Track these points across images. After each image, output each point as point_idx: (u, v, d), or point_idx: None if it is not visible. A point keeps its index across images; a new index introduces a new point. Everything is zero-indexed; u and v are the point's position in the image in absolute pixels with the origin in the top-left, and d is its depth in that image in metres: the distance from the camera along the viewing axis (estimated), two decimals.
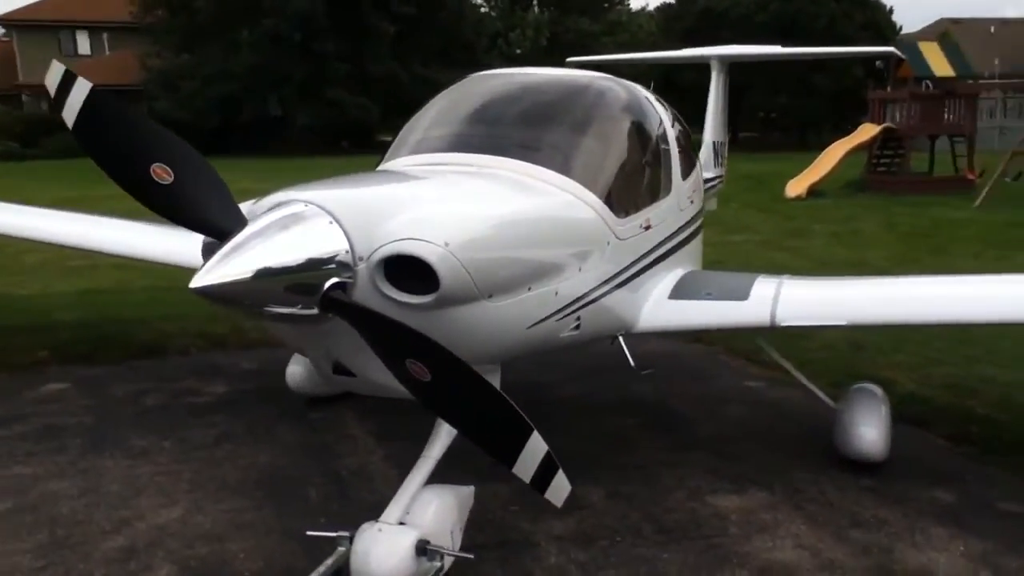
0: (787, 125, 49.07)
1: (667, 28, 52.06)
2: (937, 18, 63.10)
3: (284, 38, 40.37)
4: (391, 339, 3.27)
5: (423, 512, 3.94)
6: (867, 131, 23.84)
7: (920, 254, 13.63)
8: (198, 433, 6.09)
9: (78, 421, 6.36)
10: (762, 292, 5.06)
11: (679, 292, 5.18)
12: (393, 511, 3.89)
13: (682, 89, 34.45)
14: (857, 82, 41.81)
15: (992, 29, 60.87)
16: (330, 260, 3.37)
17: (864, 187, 23.18)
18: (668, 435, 6.05)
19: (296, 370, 6.43)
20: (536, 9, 51.56)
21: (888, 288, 5.45)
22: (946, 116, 23.35)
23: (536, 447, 3.24)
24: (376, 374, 3.75)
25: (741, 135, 49.48)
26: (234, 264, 3.22)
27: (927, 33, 58.30)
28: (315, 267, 3.35)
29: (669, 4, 58.08)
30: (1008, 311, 4.84)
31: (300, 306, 3.37)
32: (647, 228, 4.99)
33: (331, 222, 3.41)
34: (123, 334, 8.66)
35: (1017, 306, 4.84)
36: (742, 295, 5.04)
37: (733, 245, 13.99)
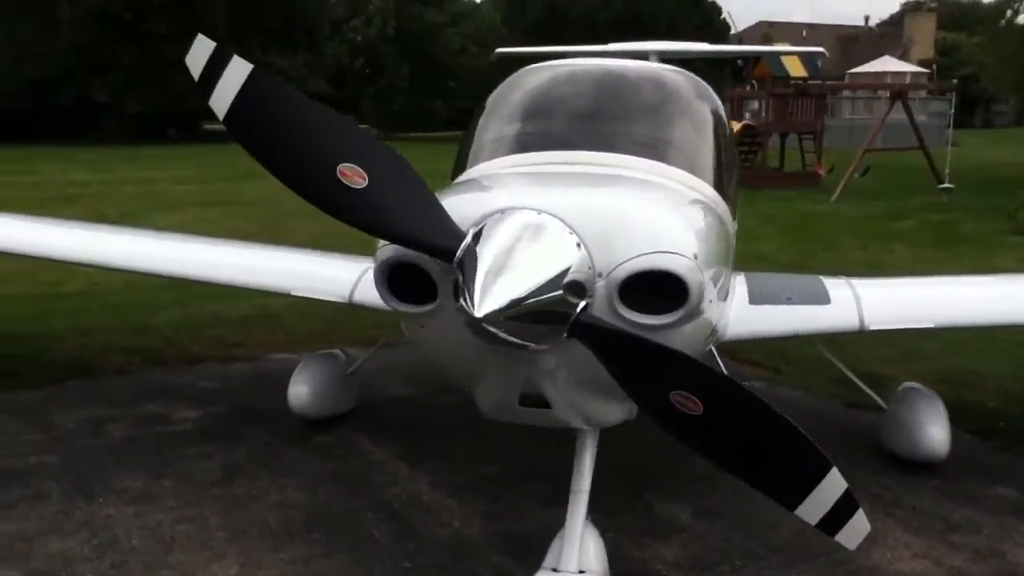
0: None
1: (511, 21, 52.43)
2: (756, 20, 67.15)
3: (112, 16, 37.33)
4: (655, 369, 2.84)
5: (594, 555, 3.54)
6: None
7: (813, 248, 14.17)
8: (196, 467, 5.31)
9: (40, 461, 5.39)
10: (841, 295, 4.93)
11: (756, 297, 4.95)
12: (570, 558, 3.48)
13: None
14: (713, 81, 43.48)
15: (804, 33, 65.33)
16: (576, 279, 2.91)
17: None
18: None
19: (301, 390, 5.77)
20: None
21: (962, 288, 5.46)
22: (797, 114, 24.68)
23: (833, 485, 2.89)
24: (580, 406, 3.36)
25: None
26: (507, 286, 2.73)
27: (749, 35, 61.88)
28: (568, 287, 2.88)
29: None
30: None
31: (544, 332, 2.89)
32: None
33: (571, 233, 2.94)
34: (42, 351, 7.54)
35: None
36: (823, 299, 4.88)
37: None
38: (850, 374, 5.74)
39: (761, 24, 65.84)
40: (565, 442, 5.44)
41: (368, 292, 5.15)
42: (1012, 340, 7.80)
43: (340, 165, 2.98)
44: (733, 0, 49.89)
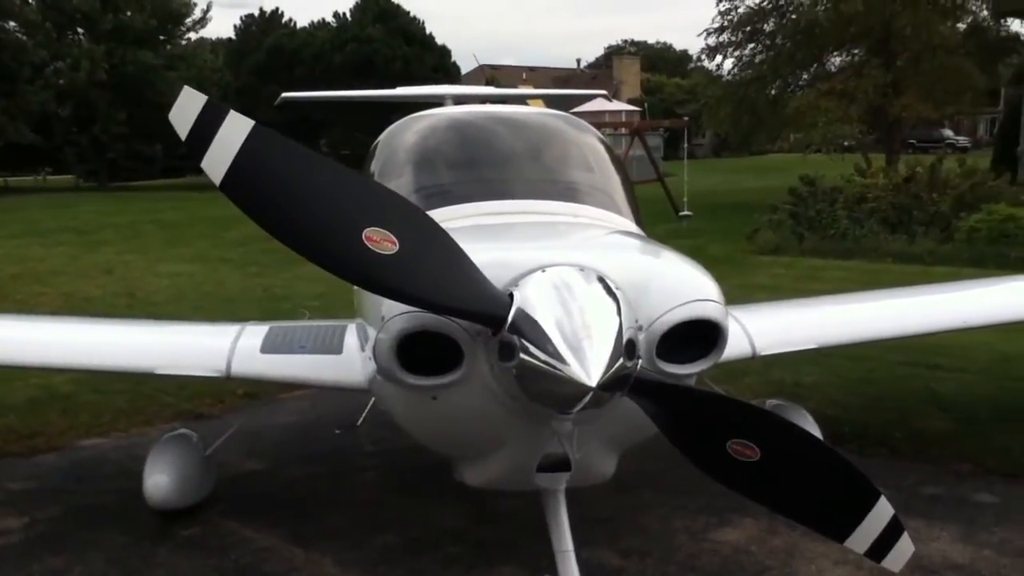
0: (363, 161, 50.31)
1: (235, 63, 50.58)
2: (478, 65, 69.86)
3: None
4: (714, 420, 2.75)
5: None
6: None
7: None
8: None
9: None
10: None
11: None
12: None
13: None
14: None
15: (524, 75, 68.93)
16: (629, 336, 2.75)
17: None
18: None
19: (161, 480, 5.09)
20: (84, 39, 46.59)
21: (840, 307, 5.84)
22: None
23: (881, 512, 2.94)
24: (598, 464, 3.29)
25: None
26: (599, 349, 2.57)
27: (473, 77, 64.24)
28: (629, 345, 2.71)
29: (231, 39, 56.56)
30: (950, 319, 5.45)
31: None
32: None
33: (617, 289, 2.79)
34: None
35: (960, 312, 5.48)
36: None
37: None
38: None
39: (484, 68, 68.58)
40: (457, 501, 5.29)
41: (249, 361, 4.70)
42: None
43: (366, 230, 2.66)
44: (450, 44, 52.00)
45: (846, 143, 26.06)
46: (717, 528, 5.04)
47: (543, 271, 2.85)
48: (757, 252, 16.79)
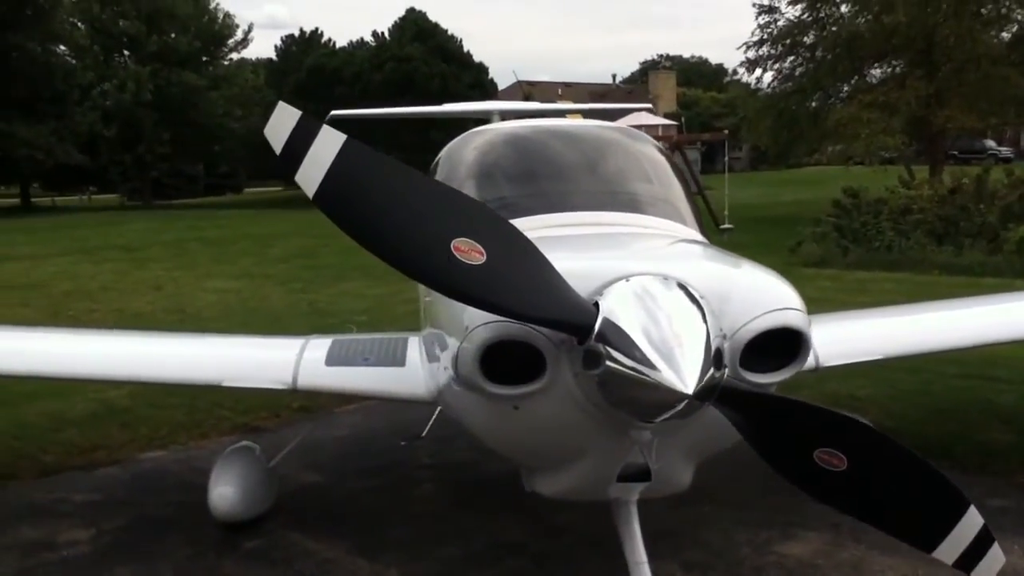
0: None
1: (276, 83, 51.38)
2: (514, 81, 70.33)
3: None
4: (802, 429, 2.75)
5: None
6: None
7: None
8: None
9: None
10: None
11: None
12: None
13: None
14: None
15: (560, 91, 69.19)
16: (716, 345, 2.77)
17: None
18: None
19: (227, 492, 5.16)
20: (130, 61, 47.67)
21: (900, 319, 5.77)
22: None
23: (971, 522, 2.92)
24: (677, 474, 3.28)
25: None
26: (692, 358, 2.61)
27: (511, 93, 64.60)
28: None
29: (271, 59, 57.51)
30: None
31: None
32: None
33: (701, 298, 2.81)
34: None
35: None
36: None
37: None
38: None
39: (522, 83, 68.95)
40: (516, 513, 5.31)
41: (314, 373, 4.76)
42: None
43: (454, 240, 2.71)
44: (487, 61, 52.60)
45: (888, 155, 25.78)
46: (781, 541, 4.99)
47: (627, 280, 2.87)
48: (801, 265, 16.64)
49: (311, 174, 2.79)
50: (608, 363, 2.73)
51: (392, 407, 7.30)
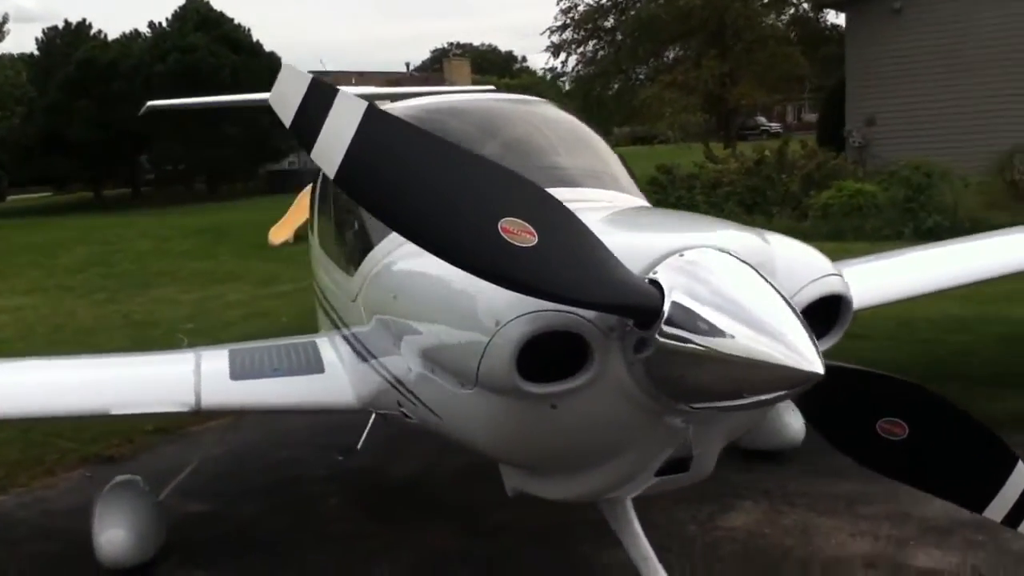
0: (189, 176, 47.74)
1: (41, 80, 46.92)
2: (323, 69, 68.33)
3: None
4: (865, 399, 2.54)
5: None
6: None
7: None
8: None
9: None
10: None
11: None
12: None
13: None
14: (264, 132, 42.94)
15: (353, 80, 67.78)
16: None
17: None
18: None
19: (116, 535, 4.43)
20: None
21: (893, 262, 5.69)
22: None
23: (1018, 478, 2.84)
24: (708, 461, 3.03)
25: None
26: (800, 332, 2.37)
27: None
28: None
29: (32, 54, 52.58)
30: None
31: None
32: None
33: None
34: None
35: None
36: None
37: (274, 299, 13.09)
38: None
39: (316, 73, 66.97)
40: (440, 519, 4.94)
41: (221, 390, 4.19)
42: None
43: (502, 220, 2.32)
44: (278, 51, 50.15)
45: (692, 132, 27.11)
46: (722, 514, 4.92)
47: (680, 255, 2.57)
48: None
49: (330, 149, 2.37)
50: (679, 345, 2.42)
51: (264, 418, 6.68)
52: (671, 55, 29.08)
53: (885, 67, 20.72)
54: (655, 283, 2.50)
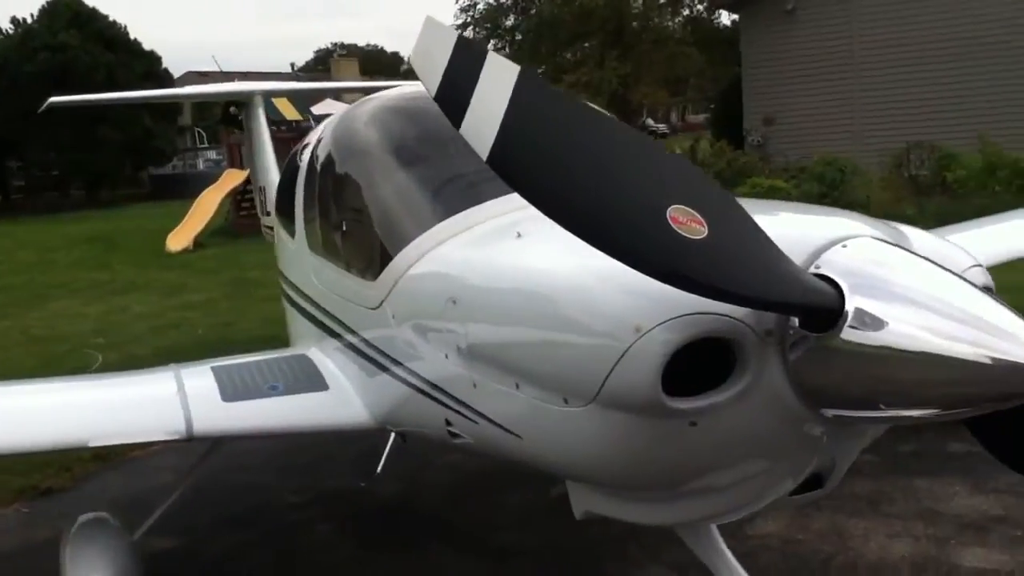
0: (64, 183, 44.93)
1: None
2: (185, 71, 65.41)
3: None
4: None
5: None
6: (234, 176, 23.61)
7: None
8: None
9: None
10: None
11: None
12: None
13: None
14: (147, 132, 40.94)
15: (235, 80, 65.51)
16: None
17: (236, 232, 22.92)
18: None
19: None
20: None
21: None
22: None
23: None
24: (840, 477, 2.70)
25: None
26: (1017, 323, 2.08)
27: (187, 82, 60.16)
28: None
29: None
30: None
31: None
32: None
33: None
34: None
35: None
36: None
37: (184, 310, 12.42)
38: None
39: (190, 74, 64.32)
40: (440, 543, 4.56)
41: (214, 415, 3.71)
42: None
43: (670, 208, 1.99)
44: (158, 50, 47.44)
45: None
46: (749, 522, 4.68)
47: (844, 246, 2.26)
48: None
49: (483, 122, 1.99)
50: (865, 348, 2.09)
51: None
52: (572, 55, 29.18)
53: (781, 67, 21.22)
54: (826, 278, 2.20)
